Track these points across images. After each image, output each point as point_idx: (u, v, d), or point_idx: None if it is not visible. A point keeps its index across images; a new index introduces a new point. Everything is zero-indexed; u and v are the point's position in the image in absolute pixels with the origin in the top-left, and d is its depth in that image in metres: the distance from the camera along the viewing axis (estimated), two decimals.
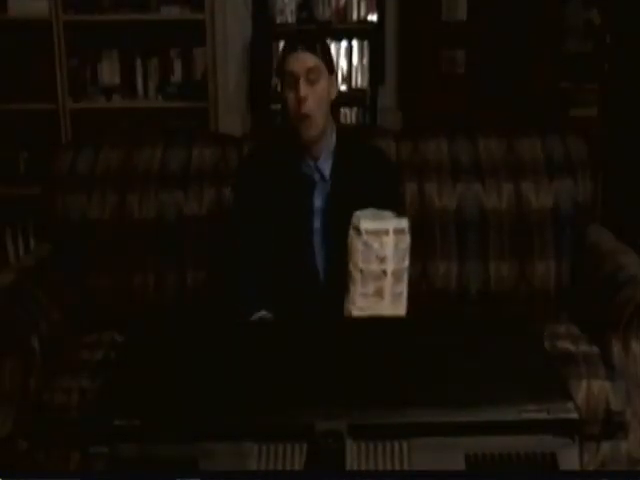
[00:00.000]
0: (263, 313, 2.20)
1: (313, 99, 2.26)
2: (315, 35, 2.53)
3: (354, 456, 1.45)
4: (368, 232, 2.00)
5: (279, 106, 4.18)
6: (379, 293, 2.02)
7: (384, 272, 2.01)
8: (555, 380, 1.60)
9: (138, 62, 4.36)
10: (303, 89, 2.25)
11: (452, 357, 1.65)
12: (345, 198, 2.29)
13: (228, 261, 2.39)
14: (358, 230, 2.01)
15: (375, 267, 2.01)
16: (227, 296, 2.33)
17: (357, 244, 2.01)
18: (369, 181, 2.32)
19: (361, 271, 2.01)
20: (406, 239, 2.05)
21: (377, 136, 2.83)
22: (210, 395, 1.54)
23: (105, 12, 4.21)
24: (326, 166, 2.37)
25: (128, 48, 4.35)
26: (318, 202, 2.37)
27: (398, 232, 2.03)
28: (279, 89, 2.33)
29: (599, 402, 2.28)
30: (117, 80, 4.38)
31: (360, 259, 2.01)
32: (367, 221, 2.01)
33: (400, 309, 2.06)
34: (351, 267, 2.03)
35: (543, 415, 1.47)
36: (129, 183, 2.74)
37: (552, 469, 1.45)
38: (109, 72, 4.37)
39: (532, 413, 1.47)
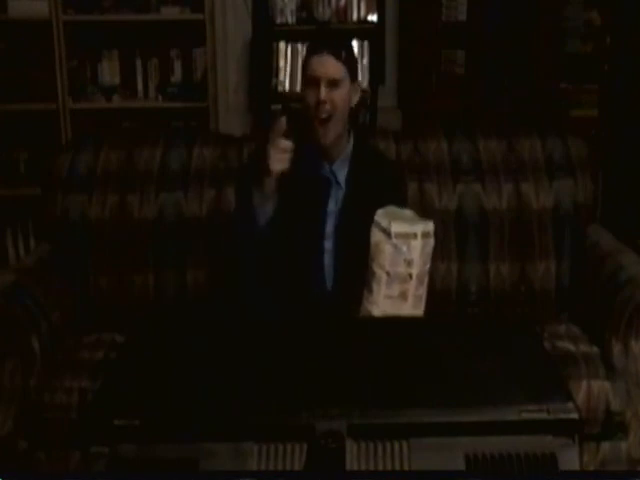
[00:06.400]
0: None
1: (332, 104, 2.26)
2: (342, 40, 2.51)
3: (354, 456, 1.45)
4: (398, 235, 1.99)
5: (279, 106, 4.23)
6: (403, 295, 2.02)
7: (410, 275, 2.01)
8: (555, 380, 1.60)
9: (138, 62, 4.37)
10: (324, 93, 2.24)
11: (452, 357, 1.65)
12: (358, 204, 2.29)
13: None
14: (387, 232, 2.00)
15: (402, 270, 2.01)
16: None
17: (386, 246, 2.00)
18: (381, 190, 2.32)
19: (387, 273, 2.01)
20: (431, 242, 2.05)
21: (377, 136, 2.83)
22: (210, 395, 1.54)
23: (105, 12, 4.22)
24: (341, 171, 2.37)
25: (128, 48, 4.35)
26: (331, 205, 2.37)
27: (425, 235, 2.03)
28: (300, 88, 2.33)
29: (599, 402, 2.28)
30: (117, 80, 4.39)
31: (388, 261, 2.00)
32: (397, 223, 2.00)
33: (420, 312, 2.07)
34: (376, 268, 2.02)
35: (543, 415, 1.47)
36: (129, 183, 2.74)
37: (552, 469, 1.45)
38: (109, 72, 4.38)
39: (532, 413, 1.47)
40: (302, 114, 2.32)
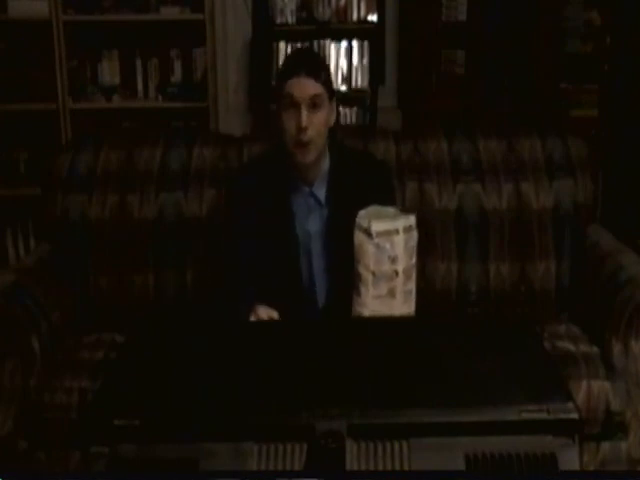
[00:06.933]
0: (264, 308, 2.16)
1: (313, 128, 2.20)
2: (319, 59, 2.47)
3: (354, 456, 1.45)
4: (379, 234, 1.98)
5: None
6: (391, 293, 2.01)
7: (396, 272, 2.00)
8: (555, 380, 1.60)
9: (138, 62, 4.38)
10: (305, 118, 2.18)
11: (452, 357, 1.65)
12: (343, 218, 2.21)
13: (228, 270, 2.38)
14: (368, 232, 1.98)
15: (387, 268, 1.99)
16: (227, 298, 2.31)
17: (368, 247, 1.99)
18: (365, 192, 2.25)
19: (373, 273, 1.99)
20: (414, 235, 2.04)
21: (377, 136, 2.83)
22: (210, 395, 1.54)
23: (105, 12, 4.22)
24: (321, 190, 2.34)
25: (128, 48, 4.36)
26: (316, 226, 2.34)
27: (407, 230, 2.02)
28: (276, 109, 2.26)
29: (599, 402, 2.28)
30: (117, 80, 4.40)
31: (372, 261, 1.99)
32: (377, 222, 1.99)
33: (410, 307, 2.05)
34: (362, 270, 2.01)
35: (543, 415, 1.47)
36: (129, 183, 2.74)
37: (552, 469, 1.45)
38: (109, 72, 4.38)
39: (532, 413, 1.47)
40: (279, 136, 2.27)
